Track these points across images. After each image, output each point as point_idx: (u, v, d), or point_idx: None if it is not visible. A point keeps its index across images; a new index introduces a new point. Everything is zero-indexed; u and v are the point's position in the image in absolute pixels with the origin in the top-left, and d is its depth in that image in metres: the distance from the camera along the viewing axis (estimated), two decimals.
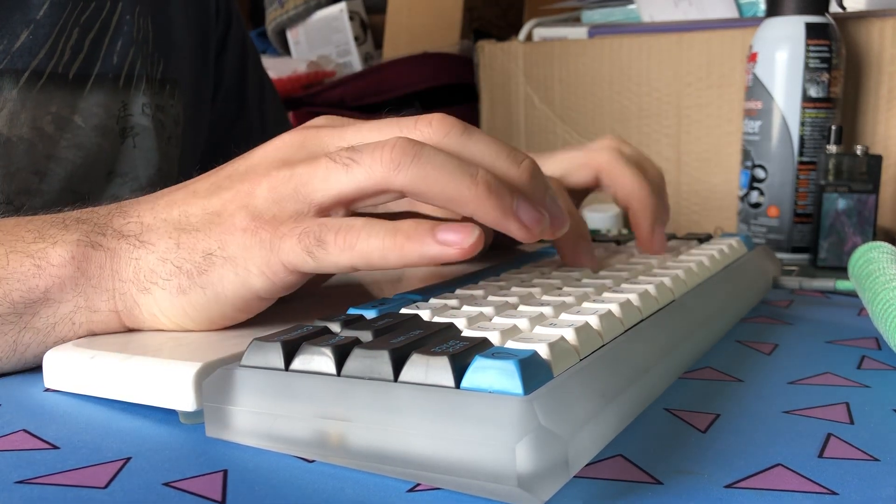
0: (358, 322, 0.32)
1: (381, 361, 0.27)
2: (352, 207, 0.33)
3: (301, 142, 0.35)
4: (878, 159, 0.61)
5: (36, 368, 0.36)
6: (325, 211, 0.33)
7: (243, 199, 0.34)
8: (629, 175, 0.49)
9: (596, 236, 0.56)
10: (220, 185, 0.35)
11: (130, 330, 0.36)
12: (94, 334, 0.36)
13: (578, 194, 0.56)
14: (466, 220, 0.35)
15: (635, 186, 0.49)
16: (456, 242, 0.30)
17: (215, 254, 0.34)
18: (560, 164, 0.52)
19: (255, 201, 0.33)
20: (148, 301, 0.35)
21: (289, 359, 0.28)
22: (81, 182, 0.54)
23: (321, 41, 1.18)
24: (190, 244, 0.34)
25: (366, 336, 0.30)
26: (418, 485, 0.26)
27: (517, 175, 0.33)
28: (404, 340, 0.28)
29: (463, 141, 0.33)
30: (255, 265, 0.33)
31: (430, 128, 0.33)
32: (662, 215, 0.50)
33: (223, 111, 0.71)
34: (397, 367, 0.27)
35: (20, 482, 0.26)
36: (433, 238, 0.31)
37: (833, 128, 0.63)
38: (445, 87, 1.03)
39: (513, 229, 0.33)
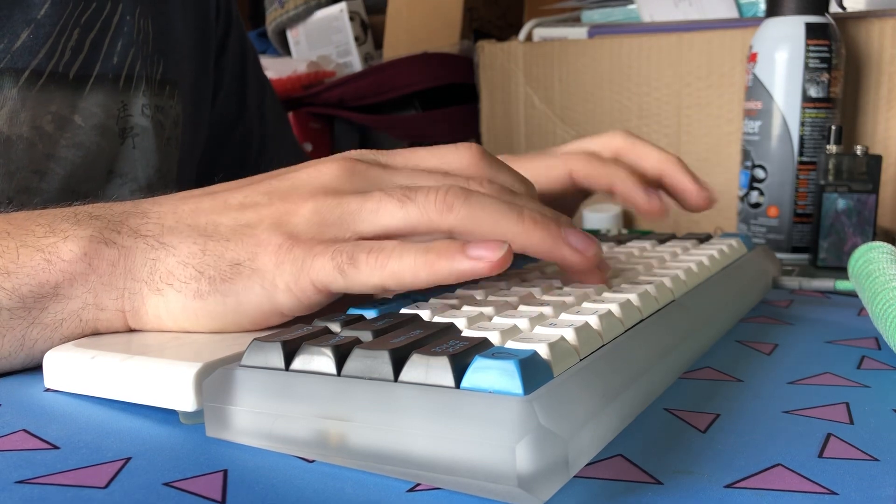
0: (358, 322, 0.32)
1: (381, 361, 0.27)
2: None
3: (350, 173, 0.36)
4: (878, 159, 0.61)
5: (36, 368, 0.36)
6: (364, 240, 0.34)
7: (283, 217, 0.34)
8: (600, 168, 0.50)
9: (596, 236, 0.56)
10: (257, 201, 0.36)
11: (132, 330, 0.36)
12: (98, 333, 0.36)
13: (570, 202, 0.57)
14: None
15: (607, 172, 0.50)
16: (486, 257, 0.31)
17: (244, 264, 0.34)
18: (532, 171, 0.52)
19: (296, 220, 0.34)
20: (157, 302, 0.35)
21: (289, 359, 0.28)
22: (81, 182, 0.54)
23: (321, 41, 1.18)
24: (217, 252, 0.34)
25: (366, 336, 0.30)
26: (418, 485, 0.26)
27: (556, 219, 0.36)
28: (404, 340, 0.28)
29: (507, 189, 0.37)
30: (284, 281, 0.33)
31: (477, 179, 0.36)
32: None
33: (223, 113, 0.71)
34: (397, 367, 0.27)
35: (20, 482, 0.26)
36: (463, 254, 0.31)
37: (833, 128, 0.63)
38: (445, 87, 1.03)
39: (567, 255, 0.35)
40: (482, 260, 0.31)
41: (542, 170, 0.52)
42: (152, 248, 0.35)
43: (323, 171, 0.36)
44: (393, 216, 0.34)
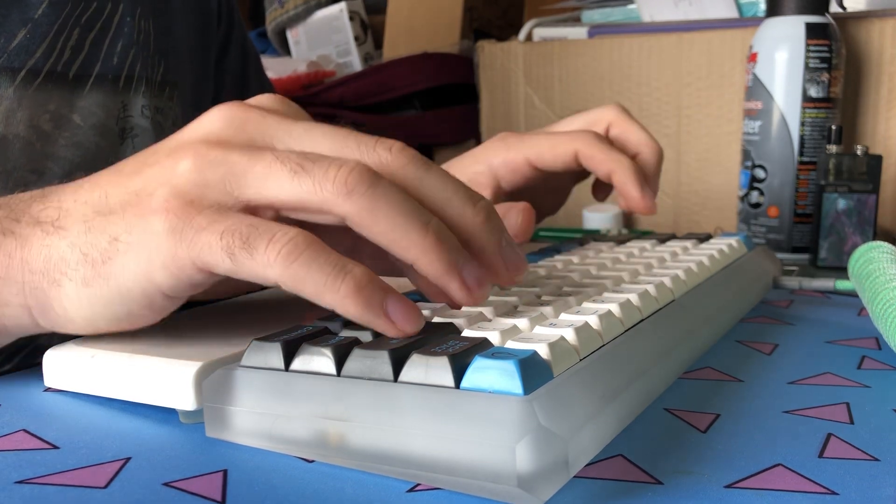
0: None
1: (381, 361, 0.27)
2: (282, 214, 0.30)
3: (241, 122, 0.31)
4: (878, 159, 0.61)
5: (36, 368, 0.36)
6: (251, 210, 0.30)
7: (163, 175, 0.30)
8: (604, 153, 0.50)
9: (596, 236, 0.56)
10: (146, 162, 0.31)
11: (41, 328, 0.34)
12: (10, 332, 0.33)
13: (563, 178, 0.57)
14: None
15: (612, 158, 0.50)
16: (398, 322, 0.29)
17: (120, 238, 0.30)
18: (537, 147, 0.53)
19: (176, 180, 0.30)
20: (59, 295, 0.31)
21: (289, 359, 0.28)
22: None
23: (321, 41, 1.18)
24: (100, 226, 0.31)
25: (366, 336, 0.30)
26: (418, 485, 0.26)
27: (471, 216, 0.31)
28: (404, 340, 0.28)
29: (420, 174, 0.31)
30: (160, 255, 0.29)
31: (390, 154, 0.31)
32: (650, 180, 0.52)
33: None
34: (397, 367, 0.27)
35: (20, 482, 0.26)
36: (380, 306, 0.28)
37: (833, 128, 0.63)
38: (445, 87, 1.03)
39: (453, 288, 0.31)
40: (393, 325, 0.29)
41: (549, 146, 0.52)
42: (47, 233, 0.32)
43: (212, 117, 0.31)
44: (281, 187, 0.29)
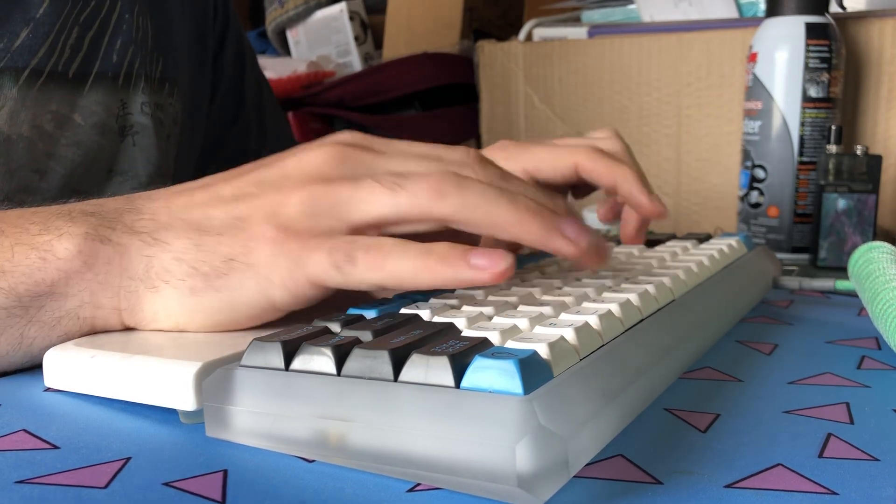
0: (358, 322, 0.32)
1: (381, 361, 0.27)
2: (384, 231, 0.34)
3: (340, 159, 0.35)
4: (878, 159, 0.61)
5: (36, 368, 0.36)
6: (358, 231, 0.33)
7: (274, 208, 0.34)
8: (605, 165, 0.50)
9: None
10: (249, 192, 0.35)
11: (128, 329, 0.36)
12: (96, 331, 0.36)
13: (561, 191, 0.57)
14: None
15: (614, 170, 0.50)
16: (488, 267, 0.31)
17: (237, 259, 0.33)
18: (536, 158, 0.53)
19: (288, 211, 0.33)
20: (154, 299, 0.34)
21: (289, 359, 0.28)
22: (81, 180, 0.54)
23: (321, 41, 1.18)
24: (210, 247, 0.34)
25: (366, 336, 0.30)
26: (418, 485, 0.26)
27: (552, 207, 0.35)
28: (404, 340, 0.28)
29: (492, 170, 0.35)
30: (278, 275, 0.33)
31: (467, 158, 0.35)
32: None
33: (221, 111, 0.71)
34: (397, 367, 0.27)
35: (20, 482, 0.26)
36: (466, 262, 0.31)
37: (833, 128, 0.63)
38: (445, 87, 1.03)
39: (560, 245, 0.34)
40: (484, 270, 0.31)
41: (547, 159, 0.52)
42: (147, 244, 0.35)
43: (312, 157, 0.35)
44: (384, 205, 0.33)
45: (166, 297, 0.34)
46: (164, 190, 0.38)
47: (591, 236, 0.35)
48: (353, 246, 0.32)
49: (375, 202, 0.33)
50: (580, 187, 0.58)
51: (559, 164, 0.52)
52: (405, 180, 0.33)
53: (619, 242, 0.54)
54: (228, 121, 0.72)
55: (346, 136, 0.37)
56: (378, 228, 0.34)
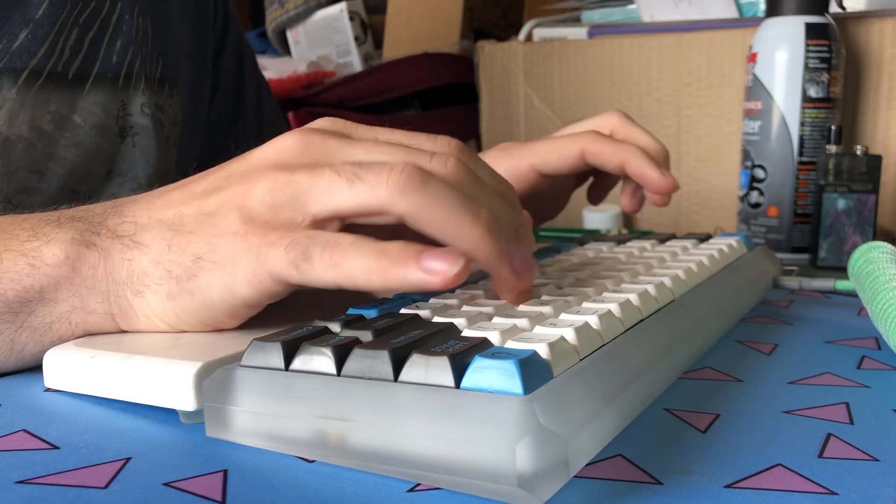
0: (358, 322, 0.32)
1: (381, 361, 0.27)
2: (347, 222, 0.33)
3: (304, 147, 0.34)
4: (877, 159, 0.61)
5: (36, 368, 0.36)
6: (319, 223, 0.33)
7: (239, 200, 0.33)
8: (611, 146, 0.51)
9: (596, 236, 0.56)
10: (218, 186, 0.35)
11: (123, 331, 0.36)
12: (91, 335, 0.36)
13: (566, 182, 0.57)
14: None
15: (621, 149, 0.50)
16: (440, 272, 0.29)
17: (204, 257, 0.33)
18: (541, 152, 0.53)
19: (250, 203, 0.33)
20: (142, 304, 0.35)
21: (289, 359, 0.28)
22: (81, 181, 0.54)
23: (321, 41, 1.18)
24: (181, 246, 0.34)
25: (366, 336, 0.30)
26: (418, 485, 0.26)
27: (514, 219, 0.34)
28: (404, 340, 0.28)
29: (465, 170, 0.33)
30: (242, 272, 0.33)
31: (437, 152, 0.34)
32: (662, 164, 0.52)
33: (221, 113, 0.71)
34: (397, 367, 0.27)
35: (20, 482, 0.26)
36: (417, 265, 0.30)
37: (833, 128, 0.63)
38: (445, 87, 1.03)
39: (504, 275, 0.33)
40: (436, 274, 0.29)
41: (554, 149, 0.52)
42: (127, 247, 0.35)
43: (277, 146, 0.34)
44: (342, 197, 0.32)
45: (151, 303, 0.34)
46: (149, 192, 0.37)
47: (532, 275, 0.34)
48: (311, 242, 0.31)
49: (333, 193, 0.32)
50: (596, 187, 0.58)
51: (566, 151, 0.52)
52: (366, 172, 0.32)
53: (618, 242, 0.54)
54: (228, 122, 0.72)
55: (322, 122, 0.36)
56: (339, 220, 0.33)
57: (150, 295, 0.34)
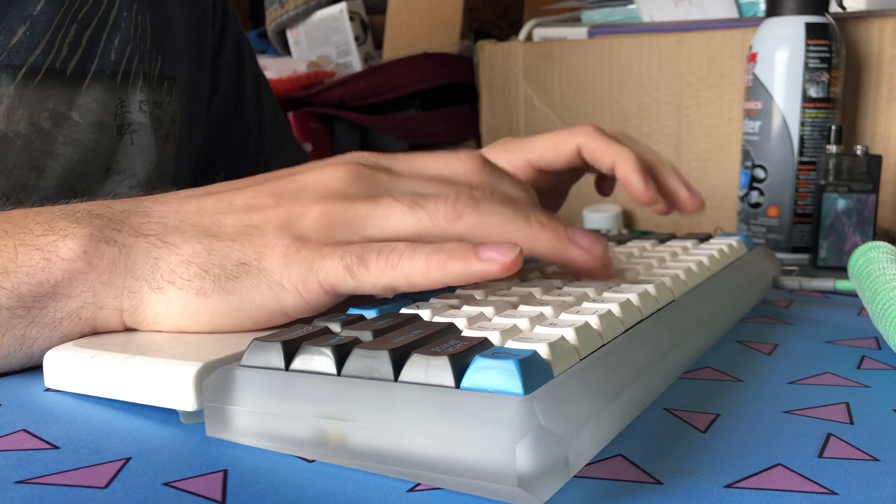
0: (358, 322, 0.32)
1: (381, 361, 0.27)
2: None
3: (357, 177, 0.36)
4: (878, 159, 0.61)
5: (36, 368, 0.36)
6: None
7: (291, 219, 0.35)
8: (607, 145, 0.51)
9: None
10: (263, 203, 0.36)
11: (129, 329, 0.36)
12: (97, 332, 0.36)
13: (563, 179, 0.57)
14: None
15: (614, 150, 0.50)
16: (497, 259, 0.32)
17: (250, 264, 0.34)
18: (537, 148, 0.53)
19: (305, 223, 0.34)
20: (157, 300, 0.35)
21: (289, 359, 0.28)
22: (79, 178, 0.54)
23: (321, 41, 1.18)
24: (223, 252, 0.34)
25: (366, 336, 0.30)
26: (418, 485, 0.26)
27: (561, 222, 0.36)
28: (404, 340, 0.28)
29: (510, 199, 0.37)
30: (291, 281, 0.33)
31: (484, 189, 0.37)
32: (664, 169, 0.52)
33: (220, 111, 0.71)
34: (397, 366, 0.27)
35: (20, 482, 0.26)
36: (476, 256, 0.32)
37: (833, 128, 0.63)
38: (445, 87, 1.03)
39: (574, 255, 0.35)
40: (494, 262, 0.32)
41: (552, 144, 0.52)
42: (155, 246, 0.35)
43: (330, 174, 0.36)
44: (403, 222, 0.34)
45: (170, 298, 0.34)
46: (172, 194, 0.38)
47: (603, 245, 0.36)
48: (365, 249, 0.33)
49: (394, 219, 0.34)
50: (602, 177, 0.58)
51: (562, 146, 0.52)
52: (424, 200, 0.35)
53: (618, 242, 0.54)
54: (227, 120, 0.72)
55: (360, 155, 0.38)
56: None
57: (172, 290, 0.34)
